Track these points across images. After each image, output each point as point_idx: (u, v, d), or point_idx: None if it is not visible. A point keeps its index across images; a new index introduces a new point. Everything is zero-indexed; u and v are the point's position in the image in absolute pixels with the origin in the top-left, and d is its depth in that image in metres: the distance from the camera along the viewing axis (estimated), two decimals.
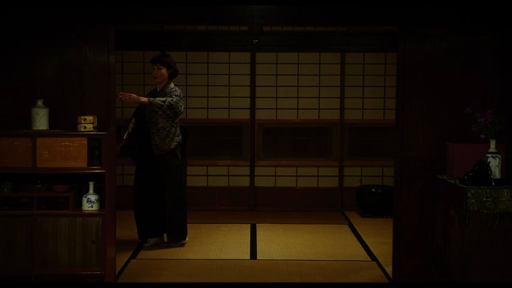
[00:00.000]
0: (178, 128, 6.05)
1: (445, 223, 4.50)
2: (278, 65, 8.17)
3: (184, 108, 6.07)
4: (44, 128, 4.71)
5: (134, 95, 5.66)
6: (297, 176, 8.22)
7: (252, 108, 8.12)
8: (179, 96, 5.94)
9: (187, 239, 6.23)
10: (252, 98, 8.12)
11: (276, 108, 8.13)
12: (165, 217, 6.07)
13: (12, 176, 4.75)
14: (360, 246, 6.30)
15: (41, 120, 4.70)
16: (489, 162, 4.30)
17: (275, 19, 5.00)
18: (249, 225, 7.20)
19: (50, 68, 4.87)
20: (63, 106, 4.87)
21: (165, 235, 6.22)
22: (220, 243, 6.33)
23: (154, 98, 5.89)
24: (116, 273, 5.01)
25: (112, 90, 4.90)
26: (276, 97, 8.15)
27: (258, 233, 6.84)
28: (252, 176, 8.16)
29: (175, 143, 5.99)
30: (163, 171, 6.02)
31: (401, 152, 4.92)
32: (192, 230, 6.89)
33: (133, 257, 5.77)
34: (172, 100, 5.84)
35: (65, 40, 4.86)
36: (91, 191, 4.79)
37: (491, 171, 4.27)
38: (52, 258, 4.70)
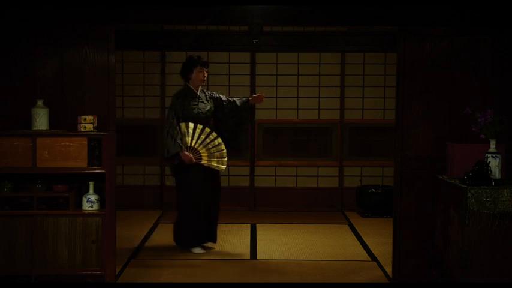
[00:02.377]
0: None
1: (445, 223, 4.50)
2: (278, 65, 8.17)
3: None
4: (44, 128, 4.71)
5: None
6: (297, 176, 8.22)
7: (252, 108, 8.11)
8: None
9: None
10: None
11: (276, 108, 8.13)
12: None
13: (12, 176, 4.75)
14: (360, 246, 6.30)
15: (41, 120, 4.70)
16: (489, 162, 4.30)
17: (275, 19, 5.00)
18: (249, 225, 7.20)
19: (50, 68, 4.87)
20: (63, 106, 4.87)
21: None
22: (220, 243, 6.32)
23: (198, 101, 5.90)
24: (116, 273, 5.01)
25: (112, 90, 4.90)
26: (276, 97, 8.15)
27: (258, 233, 6.83)
28: (252, 176, 8.16)
29: None
30: (216, 174, 5.99)
31: (401, 152, 4.92)
32: None
33: (133, 257, 5.77)
34: None
35: (65, 40, 4.86)
36: (91, 191, 4.79)
37: (491, 171, 4.27)
38: (52, 258, 4.70)
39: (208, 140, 5.80)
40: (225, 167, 5.89)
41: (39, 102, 4.72)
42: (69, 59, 4.87)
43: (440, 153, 4.85)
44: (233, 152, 6.05)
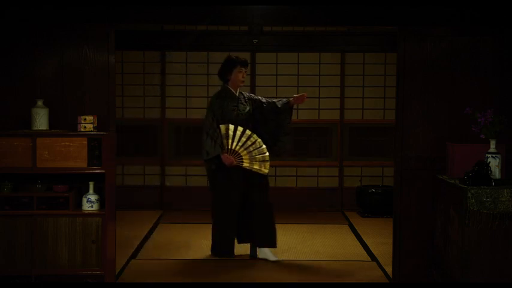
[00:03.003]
0: None
1: (445, 223, 4.50)
2: (278, 65, 8.17)
3: None
4: (44, 128, 4.71)
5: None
6: (297, 176, 8.22)
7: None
8: None
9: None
10: None
11: None
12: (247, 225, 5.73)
13: (12, 176, 4.75)
14: (360, 246, 6.30)
15: (41, 120, 4.70)
16: (489, 162, 4.30)
17: (275, 19, 5.00)
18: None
19: (50, 68, 4.87)
20: (63, 106, 4.87)
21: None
22: None
23: (237, 102, 5.68)
24: (116, 273, 5.01)
25: (112, 90, 4.89)
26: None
27: None
28: None
29: None
30: (261, 177, 5.67)
31: (401, 152, 4.92)
32: (192, 230, 6.91)
33: (133, 257, 5.77)
34: None
35: (65, 40, 4.86)
36: (91, 191, 4.79)
37: (491, 171, 4.26)
38: (52, 258, 4.70)
39: (249, 143, 5.55)
40: (267, 170, 5.61)
41: (39, 102, 4.72)
42: (69, 59, 4.87)
43: (440, 153, 4.85)
44: (274, 156, 5.76)
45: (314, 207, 8.12)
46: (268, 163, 5.62)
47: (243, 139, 5.56)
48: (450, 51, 4.89)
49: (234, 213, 5.64)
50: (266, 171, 5.62)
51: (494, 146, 4.36)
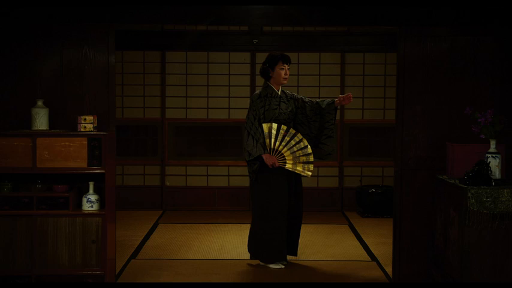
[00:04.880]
0: None
1: (445, 223, 4.50)
2: None
3: None
4: (44, 128, 4.71)
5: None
6: None
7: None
8: None
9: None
10: None
11: None
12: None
13: (12, 176, 4.75)
14: (360, 246, 6.30)
15: (41, 120, 4.70)
16: (489, 162, 4.30)
17: (275, 19, 5.00)
18: (249, 225, 7.18)
19: (50, 67, 4.87)
20: (63, 106, 4.87)
21: None
22: (220, 243, 6.33)
23: (279, 101, 5.45)
24: (116, 273, 5.01)
25: (112, 90, 4.90)
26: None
27: None
28: None
29: None
30: (298, 180, 5.53)
31: (401, 152, 4.92)
32: (192, 230, 6.91)
33: (133, 257, 5.77)
34: None
35: (65, 40, 4.86)
36: (91, 191, 4.79)
37: (491, 171, 4.27)
38: (52, 258, 4.70)
39: (293, 142, 5.31)
40: (311, 173, 5.36)
41: (39, 102, 4.72)
42: (69, 59, 4.87)
43: (440, 153, 4.85)
44: (317, 159, 5.49)
45: (314, 207, 8.12)
46: (312, 166, 5.37)
47: (287, 138, 5.33)
48: (450, 51, 4.89)
49: (281, 215, 5.38)
50: (309, 174, 5.36)
51: (494, 146, 4.36)
